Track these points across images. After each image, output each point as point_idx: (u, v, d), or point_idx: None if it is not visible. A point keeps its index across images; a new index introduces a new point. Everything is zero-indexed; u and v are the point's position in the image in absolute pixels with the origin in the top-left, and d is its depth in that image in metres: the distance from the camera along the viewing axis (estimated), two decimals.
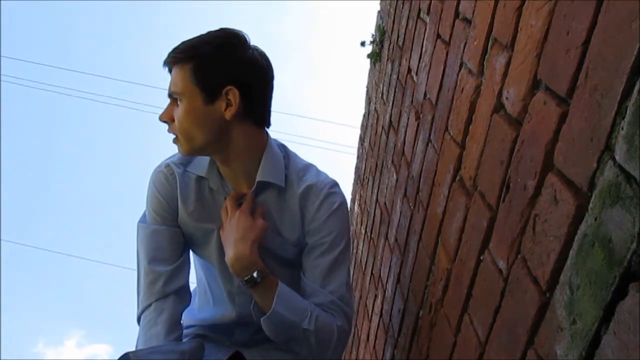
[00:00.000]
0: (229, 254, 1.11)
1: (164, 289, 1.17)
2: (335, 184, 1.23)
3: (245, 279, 1.10)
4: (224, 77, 1.07)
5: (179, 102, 1.09)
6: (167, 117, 1.11)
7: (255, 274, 1.09)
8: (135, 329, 1.19)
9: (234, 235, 1.11)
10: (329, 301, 1.16)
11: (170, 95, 1.11)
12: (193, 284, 1.31)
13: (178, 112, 1.09)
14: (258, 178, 1.15)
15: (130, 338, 1.18)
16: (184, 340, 1.23)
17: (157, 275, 1.17)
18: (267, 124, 1.18)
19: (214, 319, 1.30)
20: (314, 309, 1.13)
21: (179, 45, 1.10)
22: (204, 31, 1.11)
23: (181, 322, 1.22)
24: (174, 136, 1.13)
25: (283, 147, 1.24)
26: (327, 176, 1.24)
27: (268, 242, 1.17)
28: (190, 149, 1.12)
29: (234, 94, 1.07)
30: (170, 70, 1.11)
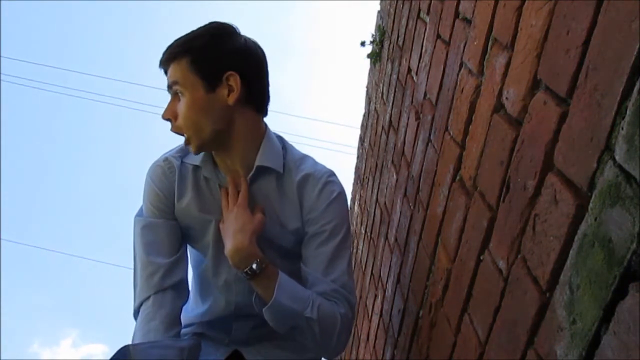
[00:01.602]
0: (228, 246, 1.11)
1: (162, 282, 1.16)
2: (332, 174, 1.23)
3: (244, 270, 1.09)
4: (223, 64, 1.08)
5: (180, 97, 1.09)
6: (169, 114, 1.11)
7: (254, 265, 1.09)
8: (131, 327, 1.17)
9: (232, 227, 1.11)
10: (331, 289, 1.15)
11: (169, 88, 1.11)
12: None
13: (181, 107, 1.09)
14: (257, 163, 1.15)
15: (126, 337, 1.17)
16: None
17: (156, 267, 1.16)
18: (265, 111, 1.19)
19: (210, 313, 1.29)
20: (316, 297, 1.13)
21: (172, 44, 1.10)
22: None
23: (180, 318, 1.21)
24: (184, 138, 1.12)
25: (281, 139, 1.25)
26: (324, 166, 1.24)
27: (267, 231, 1.16)
28: (200, 143, 1.11)
29: (234, 79, 1.08)
30: (166, 72, 1.11)
